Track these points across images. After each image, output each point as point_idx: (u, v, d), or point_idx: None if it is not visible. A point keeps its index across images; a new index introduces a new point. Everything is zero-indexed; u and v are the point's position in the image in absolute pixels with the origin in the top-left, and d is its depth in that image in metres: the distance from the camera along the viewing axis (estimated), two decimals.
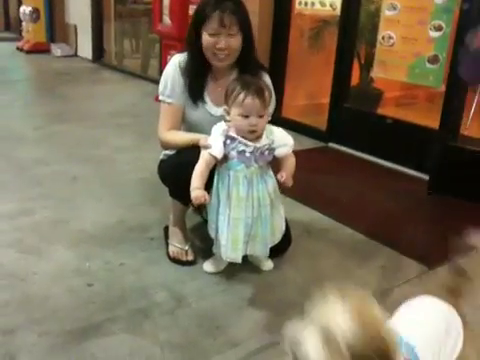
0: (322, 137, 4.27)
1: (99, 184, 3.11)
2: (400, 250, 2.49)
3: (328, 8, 4.31)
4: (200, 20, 2.06)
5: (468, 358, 1.36)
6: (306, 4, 4.43)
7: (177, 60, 2.17)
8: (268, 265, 2.26)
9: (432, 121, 3.64)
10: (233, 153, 1.92)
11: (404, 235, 2.71)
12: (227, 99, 1.93)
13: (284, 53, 4.66)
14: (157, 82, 2.30)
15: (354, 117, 4.11)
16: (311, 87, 4.92)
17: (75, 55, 7.76)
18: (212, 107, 2.19)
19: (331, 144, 4.20)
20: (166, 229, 2.44)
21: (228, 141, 1.91)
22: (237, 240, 1.97)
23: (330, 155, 4.02)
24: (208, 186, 1.99)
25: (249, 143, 1.92)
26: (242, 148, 1.91)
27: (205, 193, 1.90)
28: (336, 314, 1.04)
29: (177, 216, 2.33)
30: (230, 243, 1.97)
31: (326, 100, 4.38)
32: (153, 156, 2.42)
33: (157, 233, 2.50)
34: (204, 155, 1.94)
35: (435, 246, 2.56)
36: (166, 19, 4.85)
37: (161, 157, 2.31)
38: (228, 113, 1.94)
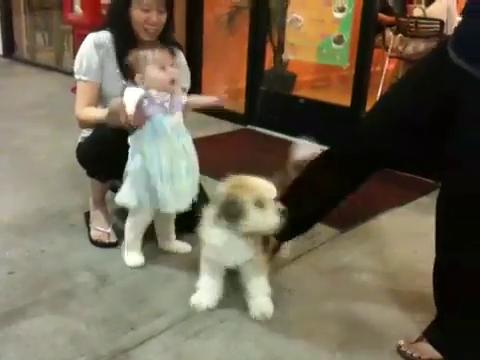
0: (241, 120, 4.38)
1: (16, 174, 3.05)
2: None
3: None
4: None
5: None
6: None
7: (92, 38, 2.18)
8: (185, 248, 2.32)
9: (343, 100, 3.87)
10: (154, 108, 1.96)
11: None
12: (136, 67, 1.99)
13: (199, 40, 4.72)
14: (72, 74, 2.29)
15: (270, 99, 4.25)
16: (228, 72, 5.02)
17: None
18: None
19: (250, 126, 4.32)
20: (87, 214, 2.45)
21: (145, 101, 1.95)
22: (183, 188, 2.03)
23: (249, 137, 4.15)
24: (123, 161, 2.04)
25: (164, 94, 1.99)
26: (160, 100, 1.97)
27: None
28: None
29: (97, 199, 2.35)
30: (176, 193, 2.02)
31: (243, 84, 4.50)
32: (71, 145, 2.40)
33: (78, 219, 2.51)
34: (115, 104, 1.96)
35: (344, 212, 2.73)
36: (77, 8, 4.79)
37: (79, 140, 2.31)
38: (142, 79, 1.98)
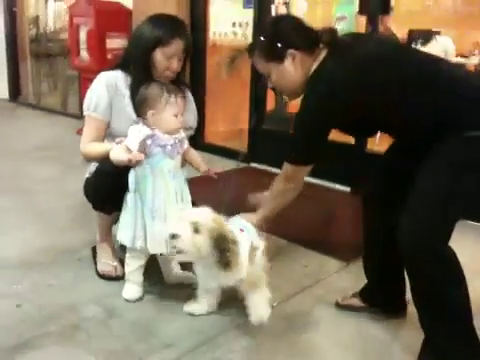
0: (244, 159, 4.44)
1: (24, 213, 3.08)
2: (320, 250, 2.66)
3: (240, 38, 4.56)
4: (156, 44, 2.16)
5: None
6: (220, 35, 4.67)
7: (103, 77, 2.25)
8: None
9: (343, 137, 3.92)
10: (156, 149, 2.02)
11: (323, 237, 2.91)
12: (153, 105, 2.03)
13: (203, 82, 4.84)
14: (78, 117, 2.35)
15: (272, 138, 4.32)
16: (231, 113, 5.12)
17: None
18: None
19: (253, 164, 4.39)
20: (94, 249, 2.47)
21: (149, 141, 2.00)
22: None
23: (252, 174, 4.19)
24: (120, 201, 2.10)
25: (169, 136, 2.05)
26: (164, 142, 2.02)
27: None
28: (200, 213, 1.86)
29: (104, 232, 2.37)
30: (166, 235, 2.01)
31: (245, 125, 4.60)
32: (77, 185, 2.41)
33: (84, 254, 2.52)
34: (119, 145, 2.02)
35: (350, 244, 2.75)
36: (84, 54, 4.93)
37: (86, 175, 2.36)
38: (154, 115, 2.03)
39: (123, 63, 2.27)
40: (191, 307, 2.07)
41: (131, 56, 2.24)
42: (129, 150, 1.98)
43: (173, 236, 1.81)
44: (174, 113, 2.04)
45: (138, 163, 1.98)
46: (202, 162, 2.22)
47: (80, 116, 5.83)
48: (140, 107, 2.09)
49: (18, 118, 6.35)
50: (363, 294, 2.15)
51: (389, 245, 1.90)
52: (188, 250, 1.82)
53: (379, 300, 2.11)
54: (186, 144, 2.15)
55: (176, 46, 2.16)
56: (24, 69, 7.43)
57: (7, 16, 7.14)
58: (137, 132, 2.02)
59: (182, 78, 2.35)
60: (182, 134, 2.12)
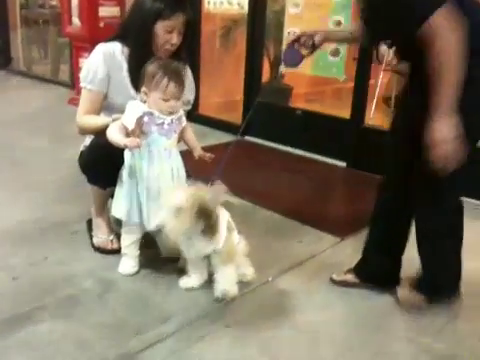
0: (238, 131, 4.40)
1: (17, 185, 3.06)
2: (315, 226, 2.68)
3: (236, 7, 4.48)
4: (157, 16, 2.11)
5: None
6: (215, 4, 4.58)
7: (102, 49, 2.21)
8: None
9: (339, 112, 3.93)
10: (153, 128, 2.00)
11: (318, 212, 2.93)
12: (147, 82, 2.00)
13: (197, 52, 4.77)
14: (69, 86, 2.31)
15: (267, 111, 4.29)
16: (225, 84, 5.07)
17: None
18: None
19: (247, 137, 4.37)
20: (89, 222, 2.47)
21: (146, 118, 1.98)
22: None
23: (246, 147, 4.18)
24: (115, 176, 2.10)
25: (166, 116, 2.02)
26: (161, 121, 2.01)
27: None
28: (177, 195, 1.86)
29: (99, 206, 2.36)
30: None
31: (240, 96, 4.56)
32: (69, 156, 2.41)
33: (79, 227, 2.51)
34: (116, 122, 2.00)
35: (345, 220, 2.78)
36: (76, 21, 4.82)
37: (81, 149, 2.33)
38: (146, 94, 2.01)
39: (122, 34, 2.22)
40: (185, 282, 2.09)
41: (130, 28, 2.20)
42: (126, 128, 1.96)
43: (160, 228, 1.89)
44: (160, 97, 1.99)
45: (132, 146, 1.93)
46: (197, 146, 2.18)
47: (71, 85, 5.76)
48: (140, 83, 2.05)
49: (8, 86, 6.26)
50: (357, 270, 2.17)
51: (401, 215, 2.00)
52: (179, 233, 1.88)
53: (373, 276, 2.13)
54: (184, 122, 2.12)
55: (177, 20, 2.12)
56: (14, 36, 7.29)
57: None
58: (135, 108, 1.99)
59: (182, 54, 2.28)
60: (180, 111, 2.10)
